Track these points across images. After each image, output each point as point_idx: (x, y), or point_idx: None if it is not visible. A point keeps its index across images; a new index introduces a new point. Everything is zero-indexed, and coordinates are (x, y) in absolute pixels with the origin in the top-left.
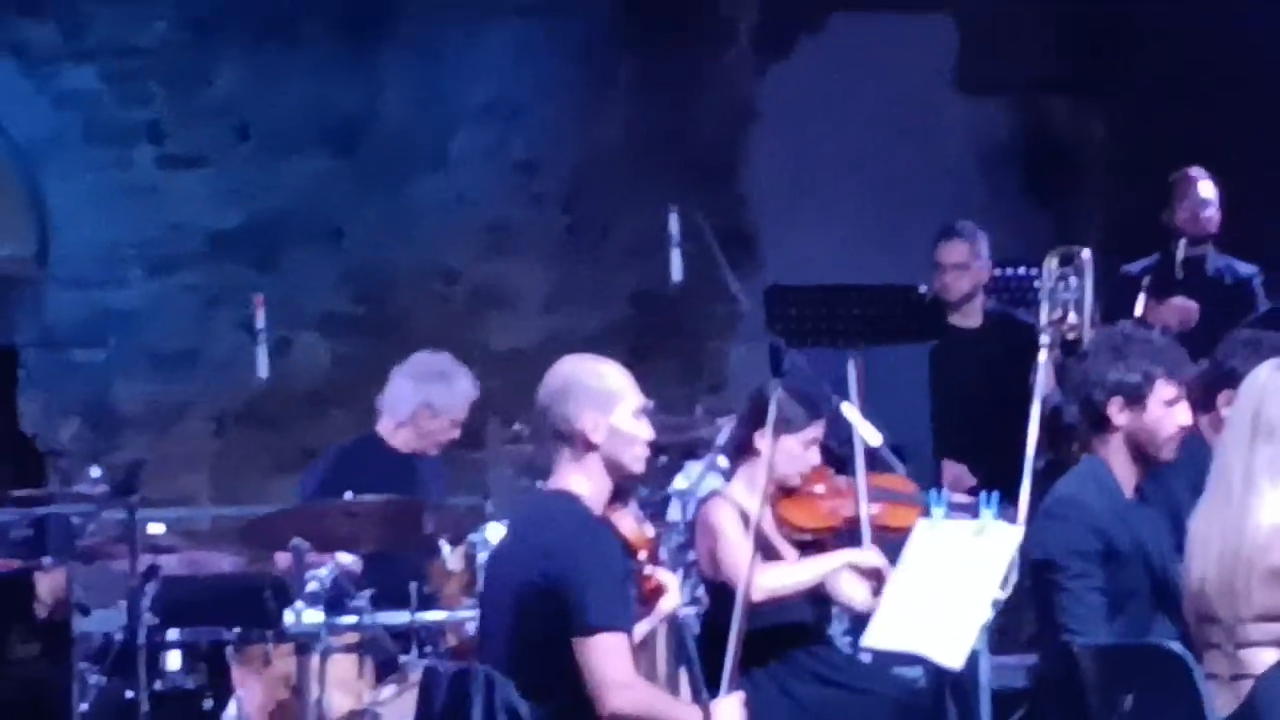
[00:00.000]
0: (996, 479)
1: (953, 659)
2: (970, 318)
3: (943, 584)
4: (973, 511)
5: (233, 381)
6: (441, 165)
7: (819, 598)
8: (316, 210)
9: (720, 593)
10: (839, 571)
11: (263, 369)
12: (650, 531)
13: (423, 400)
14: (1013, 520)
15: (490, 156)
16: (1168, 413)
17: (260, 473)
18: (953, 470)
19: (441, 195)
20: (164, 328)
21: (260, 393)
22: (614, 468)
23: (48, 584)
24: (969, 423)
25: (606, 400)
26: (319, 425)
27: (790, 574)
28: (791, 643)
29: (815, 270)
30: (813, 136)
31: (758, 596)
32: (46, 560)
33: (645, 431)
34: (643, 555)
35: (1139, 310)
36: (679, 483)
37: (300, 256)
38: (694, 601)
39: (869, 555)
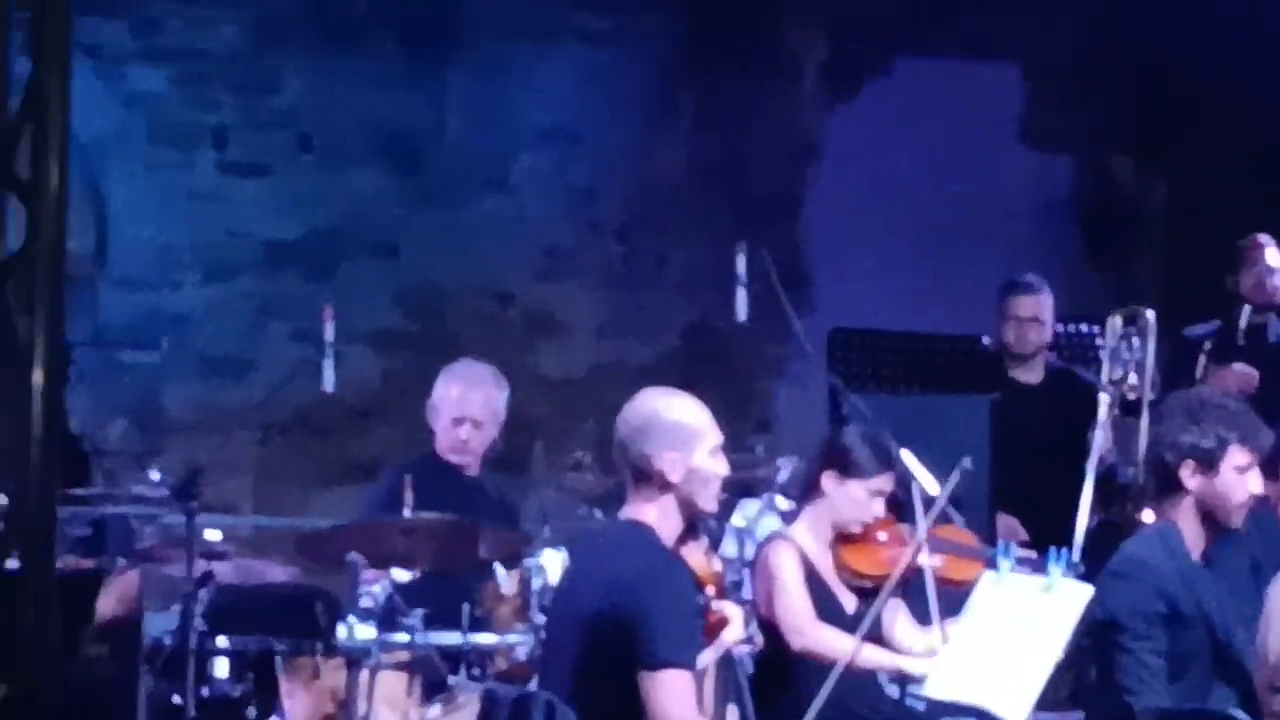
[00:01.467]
0: (1049, 534)
1: (1016, 714)
2: (1032, 372)
3: (1008, 638)
4: (1035, 566)
5: (282, 391)
6: (501, 187)
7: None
8: (374, 225)
9: (774, 632)
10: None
11: (329, 382)
12: (718, 566)
13: (429, 402)
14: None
15: (550, 181)
16: (1239, 479)
17: (304, 484)
18: (1006, 523)
19: (499, 217)
20: (216, 333)
21: (308, 404)
22: (688, 505)
23: (118, 585)
24: (1025, 477)
25: (686, 439)
26: (366, 440)
27: (840, 648)
28: (842, 685)
29: (867, 315)
30: (873, 179)
31: (799, 645)
32: (120, 561)
33: (722, 469)
34: (710, 590)
35: (1199, 374)
36: (736, 520)
37: (356, 270)
38: (747, 639)
39: (919, 666)
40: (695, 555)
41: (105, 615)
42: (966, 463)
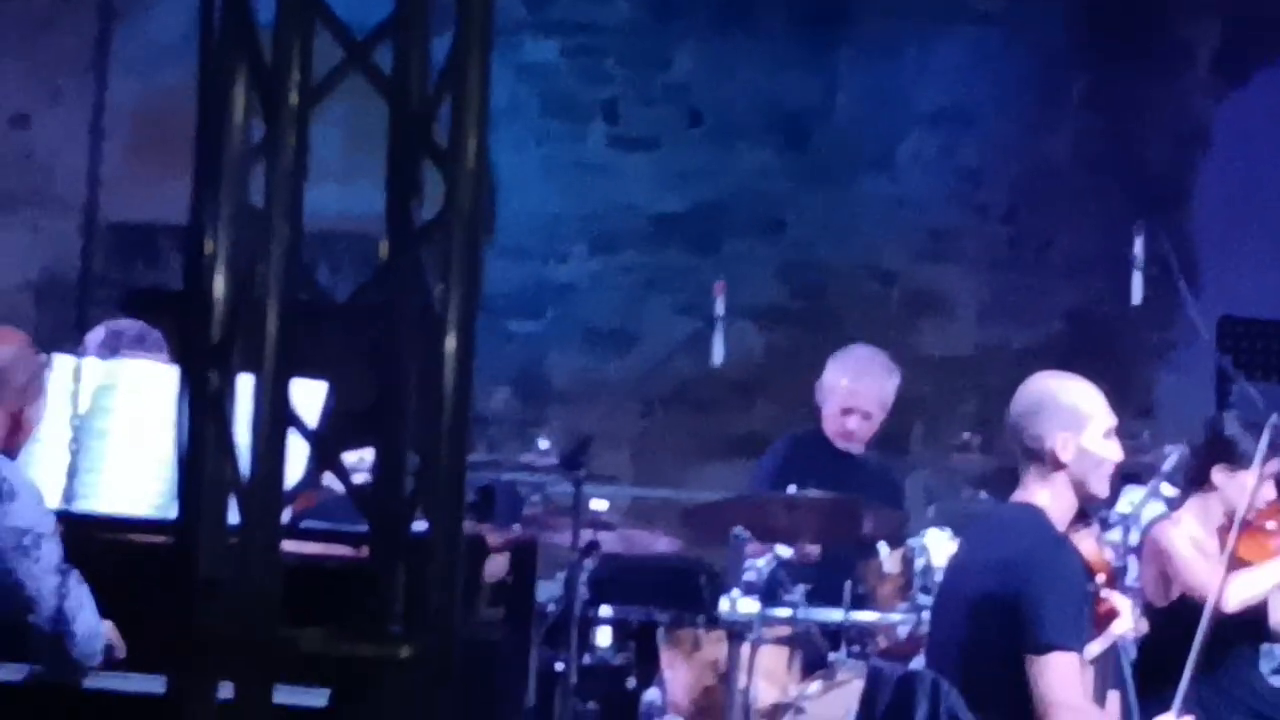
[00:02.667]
0: None
1: None
2: None
3: None
4: None
5: (664, 364)
6: (888, 167)
7: (1250, 634)
8: (760, 201)
9: (1160, 618)
10: None
11: (718, 356)
12: (1109, 555)
13: (817, 388)
14: None
15: (937, 162)
16: None
17: (683, 457)
18: None
19: (885, 197)
20: (600, 305)
21: (690, 378)
22: (1080, 488)
23: (507, 548)
24: None
25: (1078, 420)
26: (746, 414)
27: (1259, 576)
28: (1226, 674)
29: (1255, 304)
30: (1265, 168)
31: (1232, 607)
32: (515, 528)
33: (1115, 453)
34: (1101, 578)
35: None
36: (1121, 506)
37: (741, 245)
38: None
39: None
40: (1086, 542)
41: (495, 579)
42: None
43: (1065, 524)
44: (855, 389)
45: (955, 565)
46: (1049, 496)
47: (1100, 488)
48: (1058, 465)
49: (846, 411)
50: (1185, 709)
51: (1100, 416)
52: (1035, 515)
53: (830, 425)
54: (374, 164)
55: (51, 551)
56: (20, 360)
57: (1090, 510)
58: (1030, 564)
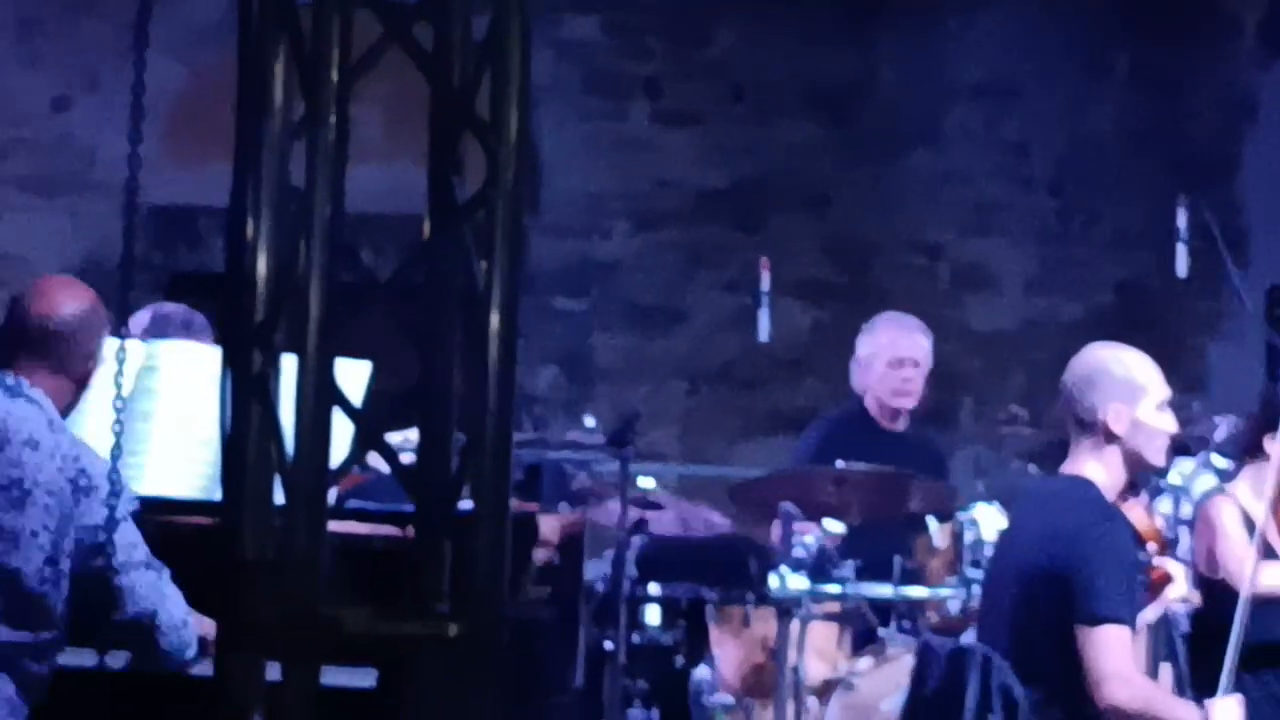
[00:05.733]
0: None
1: None
2: None
3: None
4: None
5: (709, 341)
6: (933, 141)
7: None
8: (804, 176)
9: (1213, 591)
10: None
11: (764, 332)
12: (1160, 523)
13: (854, 357)
14: None
15: (981, 136)
16: None
17: (729, 434)
18: None
19: (930, 171)
20: (645, 282)
21: (736, 354)
22: (1132, 459)
23: (552, 528)
24: None
25: (1132, 392)
26: (793, 391)
27: None
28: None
29: None
30: None
31: (1263, 594)
32: (562, 505)
33: (1169, 425)
34: (1151, 546)
35: None
36: (1172, 478)
37: (784, 221)
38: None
39: None
40: (1135, 511)
41: (542, 559)
42: None
43: (1115, 495)
44: (898, 340)
45: (1005, 539)
46: (1100, 468)
47: (1157, 459)
48: (1111, 437)
49: (899, 363)
50: (1232, 688)
51: (1155, 388)
52: (1085, 487)
53: (883, 387)
54: (417, 145)
55: (133, 542)
56: (89, 321)
57: (1139, 480)
58: (1081, 537)
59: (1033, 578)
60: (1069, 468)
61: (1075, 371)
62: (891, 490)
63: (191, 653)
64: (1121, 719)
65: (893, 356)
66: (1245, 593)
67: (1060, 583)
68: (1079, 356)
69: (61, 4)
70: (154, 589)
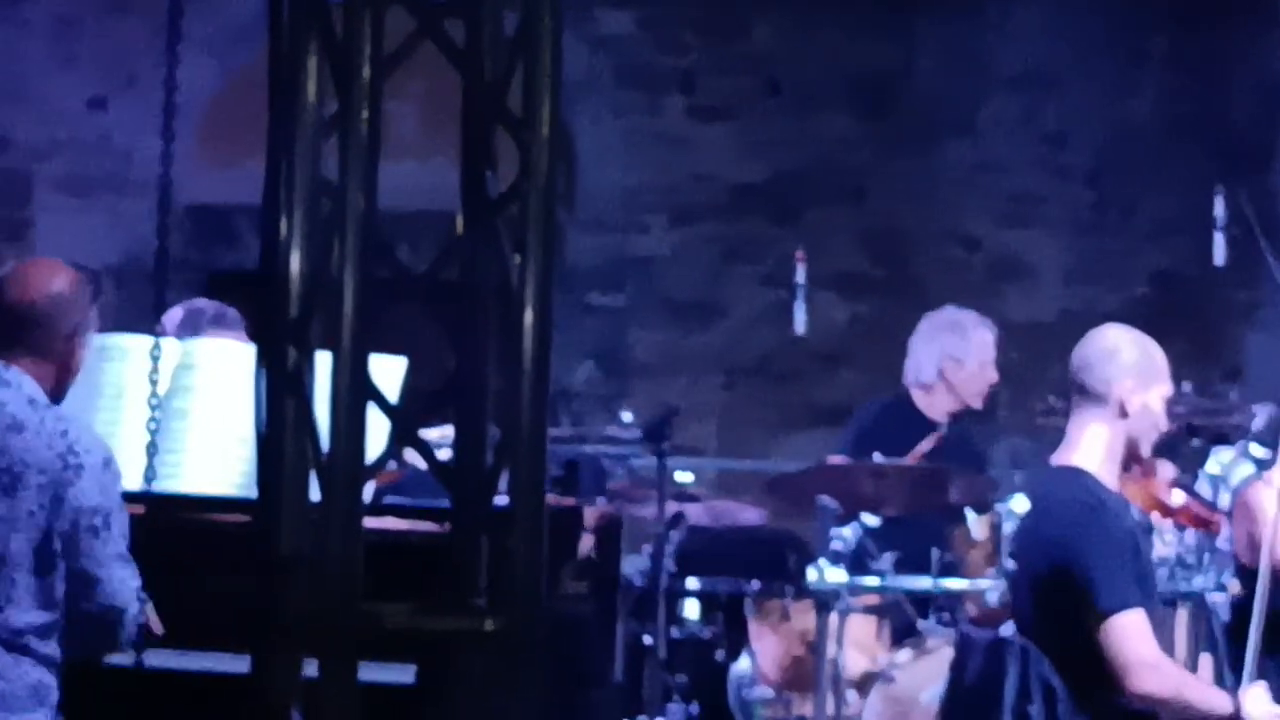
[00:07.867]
0: None
1: None
2: None
3: None
4: None
5: (746, 335)
6: (969, 132)
7: None
8: (840, 169)
9: (1253, 580)
10: None
11: (800, 325)
12: (1163, 493)
13: (943, 354)
14: None
15: (1019, 126)
16: None
17: (767, 428)
18: None
19: (967, 162)
20: (681, 277)
21: (773, 348)
22: (1130, 443)
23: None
24: None
25: (1150, 375)
26: (830, 384)
27: None
28: None
29: None
30: None
31: None
32: (600, 500)
33: (1165, 421)
34: (1154, 515)
35: None
36: (1211, 467)
37: (821, 214)
38: (1220, 588)
39: None
40: (1131, 487)
41: (580, 554)
42: None
43: (1114, 476)
44: (989, 341)
45: (1019, 537)
46: (1099, 444)
47: (1147, 449)
48: (1121, 413)
49: (991, 366)
50: (1257, 674)
51: (1167, 380)
52: (1070, 480)
53: (971, 388)
54: (454, 142)
55: (119, 533)
56: (65, 303)
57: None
58: (1070, 537)
59: (1040, 584)
60: (1062, 452)
61: (1092, 344)
62: (929, 483)
63: (133, 640)
64: (1153, 705)
65: (988, 358)
66: (1265, 572)
67: (1063, 587)
68: (1097, 332)
69: (98, 5)
70: (125, 585)
